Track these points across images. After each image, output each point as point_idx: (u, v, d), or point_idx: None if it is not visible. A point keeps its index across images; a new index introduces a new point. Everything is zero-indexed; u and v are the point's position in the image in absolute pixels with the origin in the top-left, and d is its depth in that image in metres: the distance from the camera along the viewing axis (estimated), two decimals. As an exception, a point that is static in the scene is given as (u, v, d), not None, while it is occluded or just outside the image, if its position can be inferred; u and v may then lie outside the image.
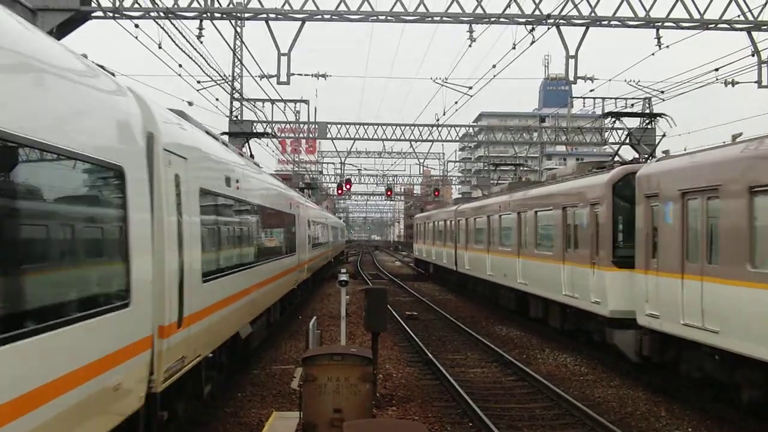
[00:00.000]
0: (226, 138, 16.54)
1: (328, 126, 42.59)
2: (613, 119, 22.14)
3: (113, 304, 6.50)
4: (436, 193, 69.85)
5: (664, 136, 21.38)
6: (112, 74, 7.53)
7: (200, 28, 21.24)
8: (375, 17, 21.81)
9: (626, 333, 14.85)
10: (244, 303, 12.96)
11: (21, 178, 4.99)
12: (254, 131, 31.49)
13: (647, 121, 37.15)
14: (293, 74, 23.02)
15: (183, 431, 10.39)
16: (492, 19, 21.80)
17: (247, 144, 22.74)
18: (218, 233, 11.15)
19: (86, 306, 5.93)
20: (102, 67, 7.32)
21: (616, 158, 19.84)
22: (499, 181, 40.55)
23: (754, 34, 22.64)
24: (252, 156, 19.90)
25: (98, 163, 6.25)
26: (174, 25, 19.56)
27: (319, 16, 21.61)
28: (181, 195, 8.66)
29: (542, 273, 20.41)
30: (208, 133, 11.95)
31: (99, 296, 6.33)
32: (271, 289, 16.78)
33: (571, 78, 23.69)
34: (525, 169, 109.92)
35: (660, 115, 21.64)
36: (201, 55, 21.88)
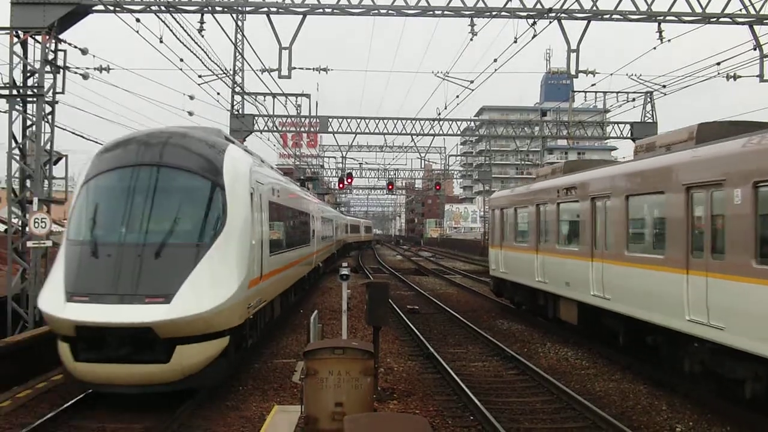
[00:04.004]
0: None
1: (330, 120, 42.53)
2: None
3: None
4: (437, 187, 69.96)
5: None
6: None
7: (201, 22, 21.26)
8: (376, 11, 21.79)
9: None
10: None
11: None
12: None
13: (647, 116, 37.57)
14: (294, 68, 23.04)
15: (184, 425, 10.43)
16: (493, 13, 21.76)
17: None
18: None
19: None
20: None
21: None
22: None
23: (756, 28, 22.66)
24: None
25: None
26: (175, 19, 19.56)
27: (320, 10, 21.60)
28: None
29: None
30: None
31: None
32: None
33: (573, 72, 23.67)
34: (527, 163, 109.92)
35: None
36: (202, 49, 21.84)
